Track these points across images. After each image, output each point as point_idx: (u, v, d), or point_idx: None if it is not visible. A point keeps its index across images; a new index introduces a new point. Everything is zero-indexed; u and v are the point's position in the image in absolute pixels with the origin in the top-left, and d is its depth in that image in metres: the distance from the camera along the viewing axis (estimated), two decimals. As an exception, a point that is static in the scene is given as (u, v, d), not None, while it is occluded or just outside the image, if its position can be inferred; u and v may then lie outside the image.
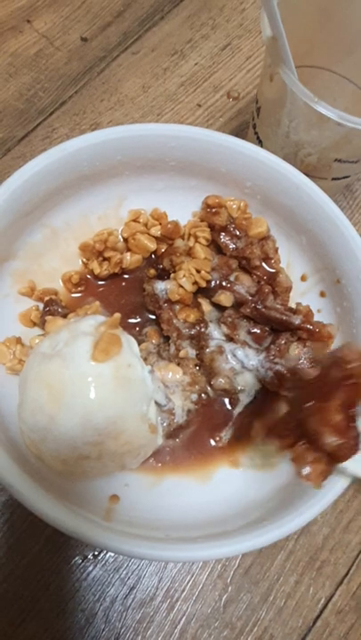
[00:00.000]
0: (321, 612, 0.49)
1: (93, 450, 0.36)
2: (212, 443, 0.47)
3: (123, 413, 0.36)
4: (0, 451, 0.37)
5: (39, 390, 0.36)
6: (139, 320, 0.51)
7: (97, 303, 0.44)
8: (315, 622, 0.48)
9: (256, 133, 0.52)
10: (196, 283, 0.47)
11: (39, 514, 0.35)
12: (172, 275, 0.49)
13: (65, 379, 0.35)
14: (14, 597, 0.45)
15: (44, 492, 0.37)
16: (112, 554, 0.48)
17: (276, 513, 0.40)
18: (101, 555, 0.48)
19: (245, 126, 0.63)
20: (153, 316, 0.50)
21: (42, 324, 0.47)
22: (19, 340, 0.45)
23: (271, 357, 0.47)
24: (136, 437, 0.37)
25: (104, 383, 0.35)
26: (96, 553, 0.48)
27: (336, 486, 0.39)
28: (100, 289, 0.51)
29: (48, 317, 0.43)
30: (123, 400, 0.36)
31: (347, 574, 0.50)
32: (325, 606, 0.49)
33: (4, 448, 0.37)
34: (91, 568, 0.47)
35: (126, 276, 0.52)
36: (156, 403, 0.44)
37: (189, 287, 0.47)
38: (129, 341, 0.39)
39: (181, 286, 0.47)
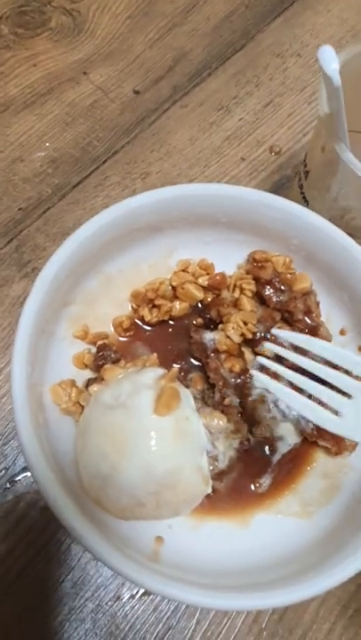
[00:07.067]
0: (352, 661, 0.50)
1: (152, 499, 0.38)
2: (252, 488, 0.49)
3: (181, 465, 0.38)
4: (63, 494, 0.38)
5: (103, 440, 0.38)
6: (183, 365, 0.53)
7: (154, 355, 0.46)
8: (345, 671, 0.49)
9: (303, 194, 0.55)
10: (243, 334, 0.50)
11: (98, 557, 0.37)
12: (220, 325, 0.51)
13: (128, 430, 0.37)
14: (57, 633, 0.47)
15: (100, 535, 0.38)
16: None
17: (314, 567, 0.41)
18: (138, 594, 0.49)
19: (286, 180, 0.67)
20: (196, 362, 0.53)
21: (94, 367, 0.49)
22: (73, 383, 0.47)
23: (312, 409, 0.49)
24: (191, 487, 0.39)
25: (165, 436, 0.38)
26: (134, 593, 0.49)
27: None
28: (148, 334, 0.54)
29: (107, 366, 0.45)
30: (181, 452, 0.38)
31: (378, 624, 0.51)
32: (356, 656, 0.50)
33: (64, 490, 0.39)
34: (129, 607, 0.49)
35: (172, 323, 0.54)
36: (203, 449, 0.46)
37: (237, 339, 0.50)
38: (186, 395, 0.41)
39: (229, 337, 0.50)
